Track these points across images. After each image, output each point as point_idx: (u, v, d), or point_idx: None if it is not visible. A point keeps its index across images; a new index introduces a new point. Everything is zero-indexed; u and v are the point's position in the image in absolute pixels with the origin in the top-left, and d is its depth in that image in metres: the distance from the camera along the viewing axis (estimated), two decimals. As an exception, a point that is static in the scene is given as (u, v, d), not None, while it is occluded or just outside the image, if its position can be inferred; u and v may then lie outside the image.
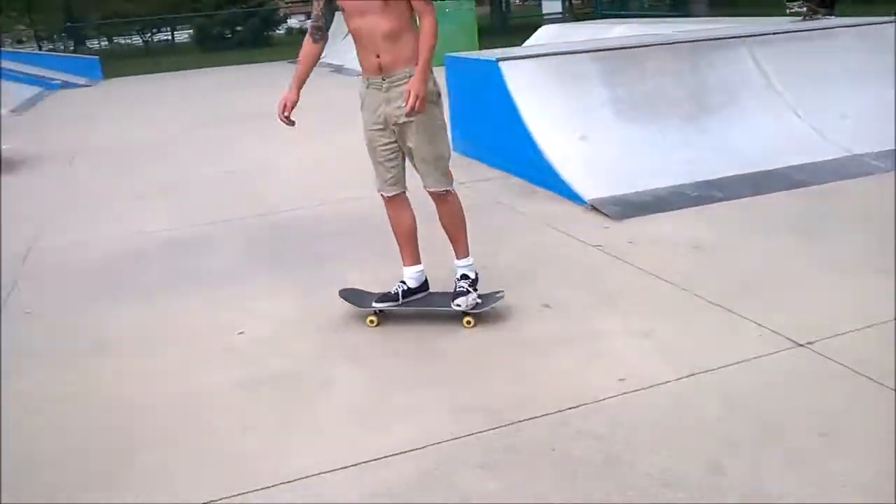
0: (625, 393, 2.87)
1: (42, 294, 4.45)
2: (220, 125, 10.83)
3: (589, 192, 5.26)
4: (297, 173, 7.24)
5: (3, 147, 9.35)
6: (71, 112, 15.03)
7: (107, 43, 41.14)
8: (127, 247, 5.23)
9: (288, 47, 31.32)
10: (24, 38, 38.68)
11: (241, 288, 4.27)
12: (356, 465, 2.56)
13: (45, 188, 7.49)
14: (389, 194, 3.65)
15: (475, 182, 6.15)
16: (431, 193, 3.59)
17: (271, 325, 3.75)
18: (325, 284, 4.17)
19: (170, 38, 40.80)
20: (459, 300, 3.56)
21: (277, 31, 38.60)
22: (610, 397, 2.85)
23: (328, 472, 2.54)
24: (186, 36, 40.01)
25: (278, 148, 8.56)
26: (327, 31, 3.65)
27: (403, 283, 3.73)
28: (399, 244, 3.76)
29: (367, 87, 3.55)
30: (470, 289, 3.59)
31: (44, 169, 8.63)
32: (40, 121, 13.92)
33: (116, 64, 26.41)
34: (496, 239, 4.72)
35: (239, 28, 32.96)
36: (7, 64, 21.16)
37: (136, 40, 40.01)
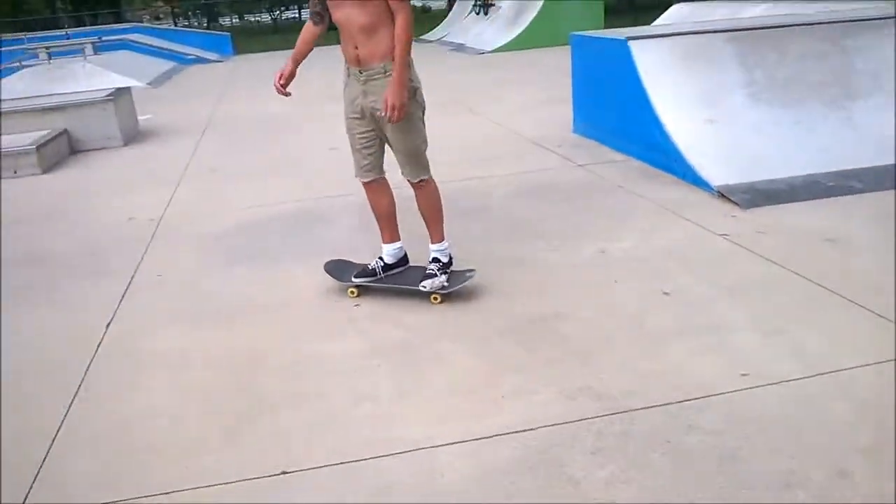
0: (747, 388, 2.75)
1: (171, 259, 4.69)
2: (341, 101, 11.03)
3: (717, 177, 5.05)
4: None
5: (142, 118, 9.92)
6: (202, 86, 15.74)
7: (238, 20, 42.83)
8: (250, 217, 5.43)
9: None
10: (161, 15, 40.81)
11: (360, 260, 4.35)
12: (466, 441, 2.57)
13: (178, 158, 7.87)
14: (365, 180, 3.79)
15: (595, 165, 6.04)
16: (409, 181, 3.71)
17: (386, 299, 3.80)
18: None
19: (297, 15, 42.00)
20: (425, 282, 3.73)
21: (401, 9, 38.96)
22: (730, 392, 2.74)
23: (439, 445, 2.56)
24: (314, 14, 41.03)
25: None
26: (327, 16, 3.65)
27: (381, 259, 3.91)
28: (378, 223, 3.92)
29: (348, 76, 3.64)
30: (438, 272, 3.76)
31: (176, 139, 9.09)
32: (173, 94, 14.65)
33: (246, 40, 27.45)
34: (615, 224, 4.62)
35: (364, 6, 33.51)
36: (145, 39, 22.38)
37: (266, 18, 41.44)
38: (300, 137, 8.53)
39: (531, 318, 3.47)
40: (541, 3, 17.41)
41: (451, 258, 3.85)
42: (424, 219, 3.84)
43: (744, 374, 2.84)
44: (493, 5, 20.42)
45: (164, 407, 2.96)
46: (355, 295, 3.84)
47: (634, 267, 3.94)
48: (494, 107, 9.38)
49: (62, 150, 8.19)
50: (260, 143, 8.44)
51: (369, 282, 3.86)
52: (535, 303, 3.62)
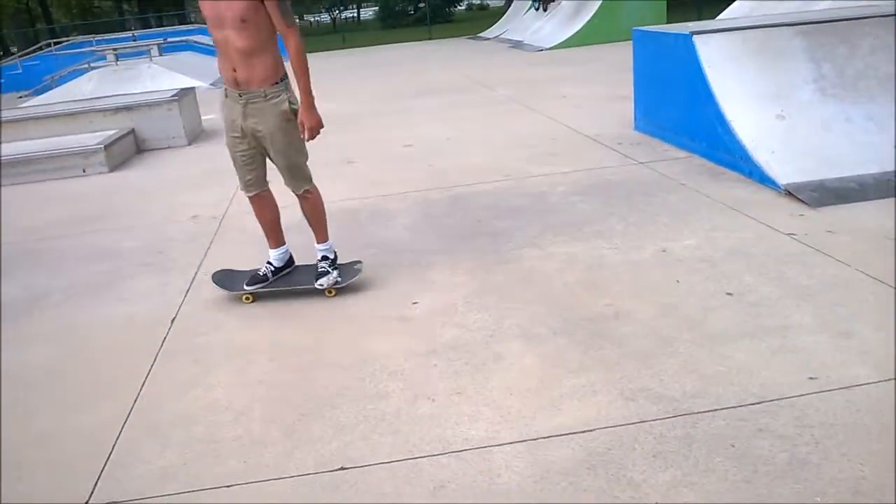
0: (816, 392, 2.66)
1: (233, 256, 4.76)
2: (400, 100, 11.12)
3: (784, 175, 4.90)
4: (478, 148, 7.26)
5: (205, 118, 10.12)
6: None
7: (298, 20, 43.47)
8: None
9: (468, 23, 31.76)
10: (225, 16, 41.69)
11: (417, 258, 4.37)
12: (524, 441, 2.55)
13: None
14: (250, 194, 3.91)
15: (657, 162, 5.94)
16: (294, 193, 3.88)
17: (445, 298, 3.80)
18: (501, 261, 4.19)
19: (355, 15, 42.45)
20: (322, 280, 3.92)
21: (458, 8, 39.12)
22: (798, 395, 2.66)
23: (496, 445, 2.55)
24: (371, 13, 41.46)
25: (460, 123, 8.69)
26: None
27: (270, 263, 4.04)
28: (264, 232, 4.06)
29: (226, 97, 3.67)
30: (330, 269, 3.95)
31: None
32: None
33: (306, 40, 27.74)
34: (677, 222, 4.53)
35: (421, 5, 33.67)
36: (208, 39, 22.82)
37: (325, 17, 41.96)
38: (362, 135, 8.59)
39: (590, 318, 3.42)
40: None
41: (336, 254, 4.03)
42: (310, 224, 4.00)
43: (812, 378, 2.75)
44: (553, 1, 20.27)
45: (227, 402, 3.01)
46: (250, 301, 3.94)
47: (697, 266, 3.85)
48: (553, 103, 9.31)
49: (129, 149, 8.42)
50: (320, 141, 8.49)
51: (261, 288, 3.96)
52: (593, 302, 3.58)
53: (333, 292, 3.93)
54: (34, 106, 11.50)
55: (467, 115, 9.23)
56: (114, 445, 2.78)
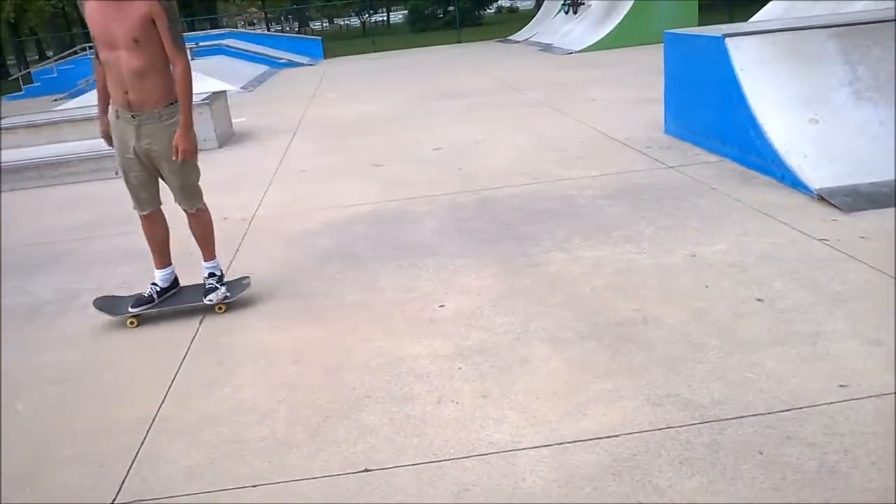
0: (846, 400, 2.62)
1: (261, 258, 4.81)
2: (429, 103, 11.14)
3: (816, 180, 4.83)
4: (507, 151, 7.25)
5: (236, 121, 10.23)
6: (293, 89, 16.14)
7: (328, 24, 43.81)
8: (338, 217, 5.52)
9: (497, 26, 31.75)
10: (255, 21, 42.18)
11: (444, 261, 4.37)
12: (549, 445, 2.54)
13: (269, 159, 8.08)
14: (143, 213, 3.93)
15: (687, 166, 5.88)
16: (185, 211, 3.93)
17: (471, 301, 3.80)
18: (528, 264, 4.18)
19: (384, 19, 42.64)
20: (210, 296, 3.94)
21: (488, 11, 39.12)
22: (828, 403, 2.61)
23: (521, 449, 2.54)
24: (401, 17, 41.65)
25: (489, 125, 8.69)
26: None
27: (155, 284, 4.04)
28: (151, 251, 4.06)
29: (118, 118, 3.64)
30: (218, 285, 3.99)
31: (268, 141, 9.34)
32: (266, 97, 15.08)
33: (336, 44, 28.01)
34: (707, 227, 4.48)
35: (451, 8, 33.74)
36: (239, 44, 23.13)
37: (355, 21, 42.23)
38: (391, 138, 8.62)
39: (617, 322, 3.39)
40: (632, 2, 17.10)
41: (223, 272, 4.11)
42: (198, 242, 4.04)
43: (842, 385, 2.70)
44: (583, 4, 20.20)
45: (253, 402, 3.03)
46: (135, 325, 3.93)
47: (727, 272, 3.81)
48: (582, 107, 9.27)
49: (161, 151, 8.51)
50: (349, 144, 8.57)
51: (146, 309, 3.96)
52: (621, 306, 3.55)
53: (223, 308, 3.96)
54: (69, 109, 11.70)
55: (496, 117, 9.23)
56: (141, 445, 2.81)
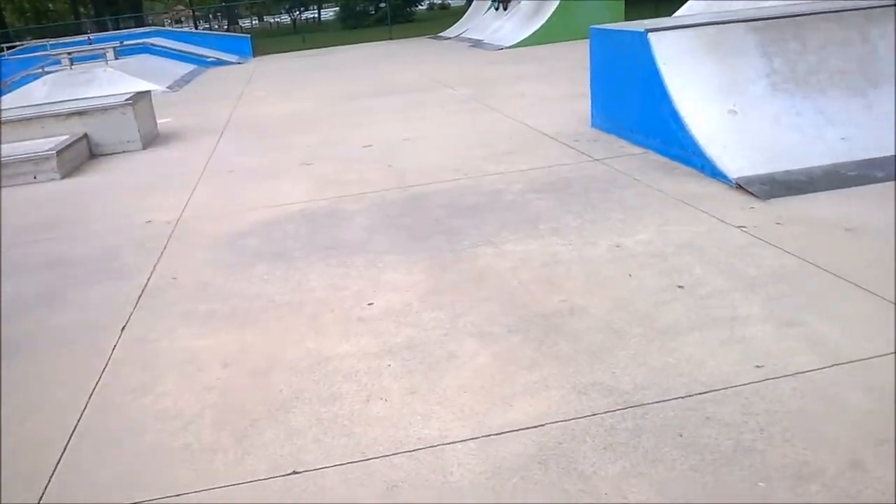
0: (762, 380, 2.71)
1: (186, 261, 4.72)
2: (360, 100, 11.08)
3: (735, 169, 4.98)
4: (437, 147, 7.26)
5: (161, 121, 10.00)
6: (221, 88, 15.83)
7: (258, 22, 43.13)
8: (267, 217, 5.45)
9: (429, 23, 31.76)
10: (182, 19, 41.24)
11: (374, 259, 4.36)
12: (476, 438, 2.56)
13: (196, 160, 7.92)
14: None
15: (612, 159, 5.99)
16: None
17: (401, 297, 3.79)
18: (457, 259, 4.20)
19: (316, 16, 42.21)
20: None
21: (419, 7, 39.09)
22: (745, 384, 2.70)
23: (449, 443, 2.55)
24: (332, 14, 41.30)
25: (420, 122, 8.69)
26: None
27: None
28: None
29: None
30: None
31: (194, 141, 9.15)
32: (193, 97, 14.77)
33: (266, 41, 27.62)
34: (631, 218, 4.57)
35: (382, 5, 33.61)
36: (165, 42, 22.62)
37: (285, 19, 41.70)
38: (317, 137, 8.54)
39: (544, 314, 3.44)
40: (559, -1, 17.33)
41: None
42: None
43: (759, 366, 2.80)
44: (513, 0, 20.37)
45: (178, 409, 2.97)
46: None
47: (649, 261, 3.90)
48: (512, 102, 9.35)
49: (82, 154, 8.28)
50: (277, 143, 8.47)
51: None
52: (547, 298, 3.60)
53: None
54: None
55: (427, 114, 9.24)
56: (60, 456, 2.73)
